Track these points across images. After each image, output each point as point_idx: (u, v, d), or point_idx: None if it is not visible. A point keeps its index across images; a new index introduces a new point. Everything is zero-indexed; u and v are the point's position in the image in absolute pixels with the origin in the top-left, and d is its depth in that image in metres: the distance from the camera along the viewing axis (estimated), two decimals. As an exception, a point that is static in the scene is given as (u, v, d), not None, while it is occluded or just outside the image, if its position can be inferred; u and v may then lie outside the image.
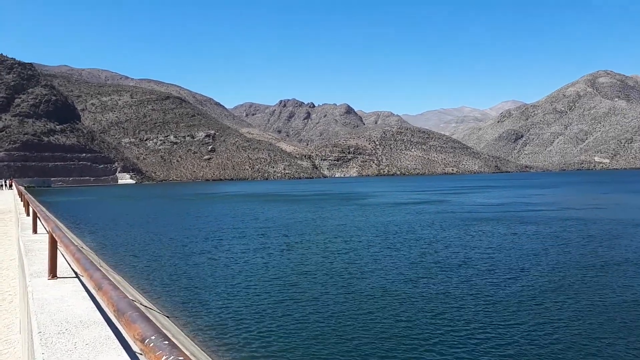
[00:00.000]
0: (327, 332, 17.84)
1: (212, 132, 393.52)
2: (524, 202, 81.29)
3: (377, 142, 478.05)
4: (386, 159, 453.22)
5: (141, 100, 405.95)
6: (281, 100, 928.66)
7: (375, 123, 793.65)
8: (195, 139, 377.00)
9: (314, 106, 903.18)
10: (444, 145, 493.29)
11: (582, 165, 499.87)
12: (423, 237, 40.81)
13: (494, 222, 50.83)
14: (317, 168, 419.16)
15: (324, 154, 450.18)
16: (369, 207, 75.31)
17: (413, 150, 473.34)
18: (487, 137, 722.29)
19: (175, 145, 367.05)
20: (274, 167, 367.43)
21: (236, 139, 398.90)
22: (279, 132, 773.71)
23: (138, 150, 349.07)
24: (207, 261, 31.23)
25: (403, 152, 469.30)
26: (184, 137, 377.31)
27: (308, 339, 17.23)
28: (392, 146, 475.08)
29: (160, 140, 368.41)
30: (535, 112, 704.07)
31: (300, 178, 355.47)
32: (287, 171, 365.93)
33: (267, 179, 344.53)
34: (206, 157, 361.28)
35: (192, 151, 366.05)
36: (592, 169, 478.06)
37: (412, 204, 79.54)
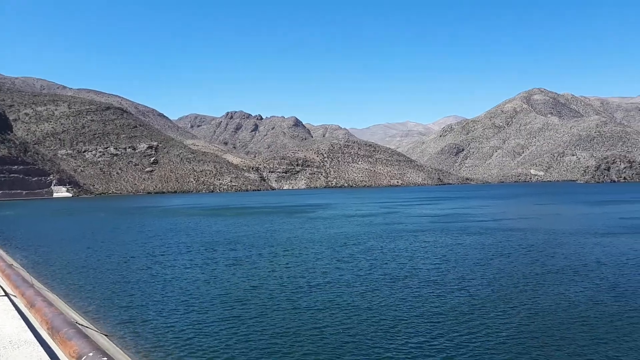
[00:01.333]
0: (274, 349, 17.39)
1: (155, 143, 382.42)
2: (469, 213, 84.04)
3: (325, 155, 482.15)
4: (334, 172, 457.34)
5: (79, 111, 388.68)
6: (228, 112, 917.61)
7: (324, 136, 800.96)
8: (136, 151, 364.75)
9: (261, 118, 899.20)
10: (389, 158, 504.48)
11: (519, 177, 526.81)
12: (372, 248, 41.11)
13: (440, 233, 52.14)
14: (265, 180, 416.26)
15: (272, 166, 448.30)
16: (319, 219, 75.35)
17: (360, 163, 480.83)
18: (430, 151, 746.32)
19: (115, 157, 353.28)
20: (220, 180, 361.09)
21: (180, 151, 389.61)
22: (226, 143, 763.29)
23: (75, 162, 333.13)
24: (150, 278, 29.89)
25: (350, 164, 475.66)
26: (125, 148, 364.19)
27: (254, 358, 16.71)
28: (339, 159, 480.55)
29: (100, 152, 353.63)
30: (476, 127, 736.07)
31: (247, 190, 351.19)
32: (233, 183, 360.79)
33: (212, 191, 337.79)
34: (148, 169, 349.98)
35: (134, 163, 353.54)
36: (528, 181, 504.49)
37: (361, 216, 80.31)
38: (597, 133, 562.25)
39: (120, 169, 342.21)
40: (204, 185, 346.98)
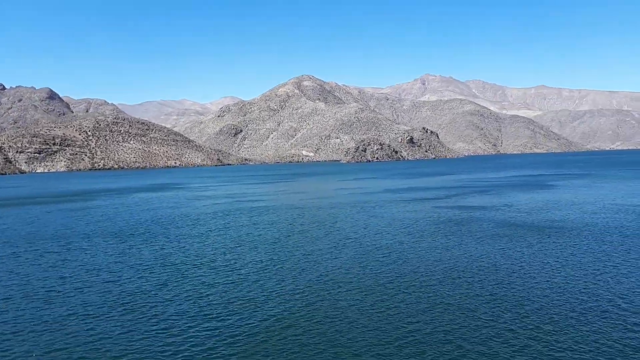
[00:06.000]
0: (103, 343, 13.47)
1: None
2: (257, 193, 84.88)
3: (89, 133, 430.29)
4: (101, 152, 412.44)
5: None
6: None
7: (87, 111, 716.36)
8: None
9: (4, 88, 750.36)
10: (165, 137, 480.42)
11: (292, 158, 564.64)
12: (155, 239, 37.03)
13: (234, 214, 50.65)
14: (11, 162, 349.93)
15: (20, 146, 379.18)
16: (89, 209, 66.48)
17: (132, 142, 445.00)
18: (208, 131, 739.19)
19: None
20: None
21: None
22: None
23: None
24: None
25: (120, 144, 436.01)
26: None
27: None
28: (107, 137, 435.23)
29: None
30: (252, 109, 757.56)
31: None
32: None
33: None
34: None
35: None
36: (300, 161, 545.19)
37: (135, 204, 73.87)
38: (356, 119, 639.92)
39: None
40: None
